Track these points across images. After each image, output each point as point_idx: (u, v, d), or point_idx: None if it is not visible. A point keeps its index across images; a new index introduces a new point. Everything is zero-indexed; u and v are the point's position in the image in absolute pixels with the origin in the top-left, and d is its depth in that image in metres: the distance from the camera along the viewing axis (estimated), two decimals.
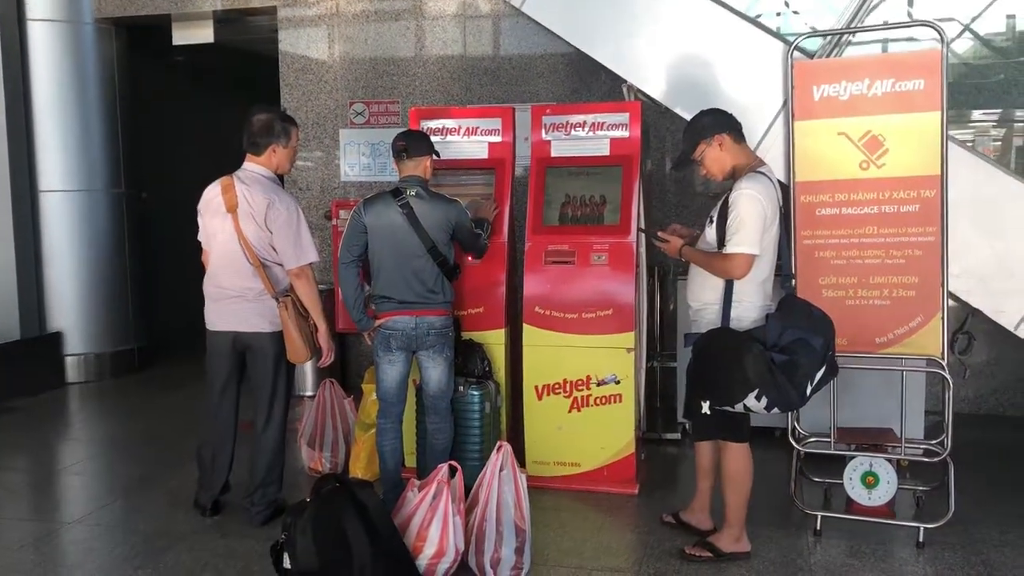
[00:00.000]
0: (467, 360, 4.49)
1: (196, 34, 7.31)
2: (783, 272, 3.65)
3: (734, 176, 3.62)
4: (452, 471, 3.54)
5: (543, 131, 4.73)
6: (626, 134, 4.61)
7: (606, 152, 4.64)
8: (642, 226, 4.49)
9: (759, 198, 3.43)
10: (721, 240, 3.52)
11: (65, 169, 7.19)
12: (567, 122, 4.70)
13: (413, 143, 4.20)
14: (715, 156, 3.63)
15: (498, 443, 3.64)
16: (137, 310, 7.71)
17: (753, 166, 3.59)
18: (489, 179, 4.80)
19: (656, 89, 4.58)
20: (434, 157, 4.26)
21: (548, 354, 4.55)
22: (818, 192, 4.11)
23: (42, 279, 7.21)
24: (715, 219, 3.57)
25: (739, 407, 3.35)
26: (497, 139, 4.82)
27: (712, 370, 3.39)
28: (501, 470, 3.56)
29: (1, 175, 6.93)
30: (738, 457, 3.60)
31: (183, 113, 9.22)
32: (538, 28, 6.31)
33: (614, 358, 4.46)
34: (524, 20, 6.38)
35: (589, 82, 6.40)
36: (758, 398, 3.31)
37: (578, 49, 4.84)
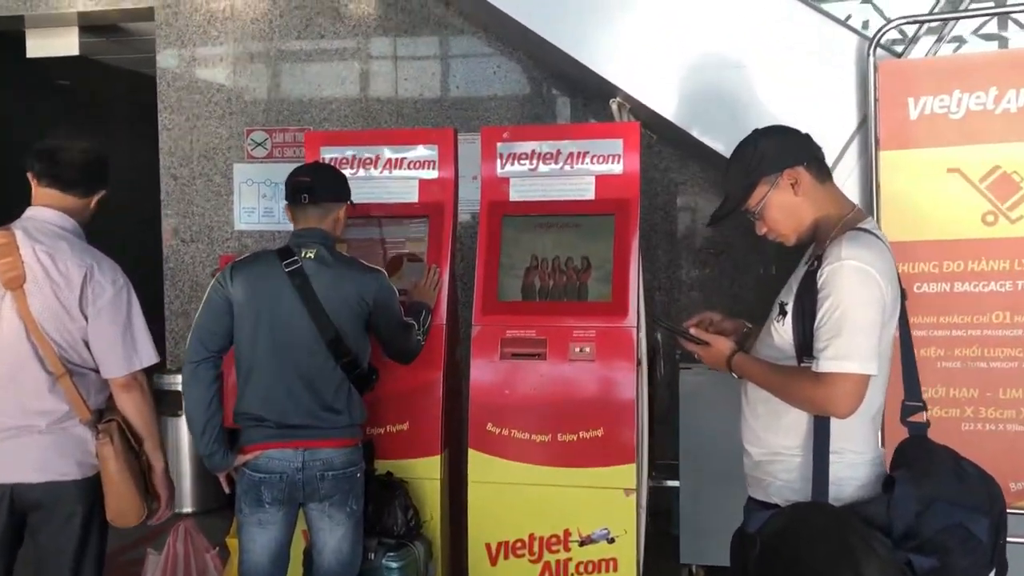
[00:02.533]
0: (382, 509, 2.94)
1: (56, 44, 5.76)
2: (906, 397, 2.20)
3: (815, 236, 2.19)
4: None
5: (498, 163, 3.27)
6: (619, 168, 3.17)
7: (590, 195, 3.20)
8: (656, 318, 3.05)
9: (874, 275, 1.98)
10: (805, 345, 2.05)
11: None
12: (533, 151, 3.25)
13: (322, 181, 2.79)
14: (785, 203, 2.18)
15: None
16: None
17: (848, 220, 2.15)
18: (420, 231, 3.33)
19: (662, 103, 3.17)
20: (350, 205, 2.82)
21: (506, 496, 3.06)
22: (918, 258, 2.72)
23: None
24: (791, 308, 2.11)
25: None
26: (432, 174, 3.35)
27: None
28: None
29: None
30: None
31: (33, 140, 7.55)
32: (490, 42, 4.94)
33: (606, 504, 2.98)
34: (476, 35, 5.00)
35: (559, 111, 4.99)
36: None
37: (541, 59, 3.44)
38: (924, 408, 2.16)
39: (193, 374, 2.63)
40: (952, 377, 2.70)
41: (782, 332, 2.13)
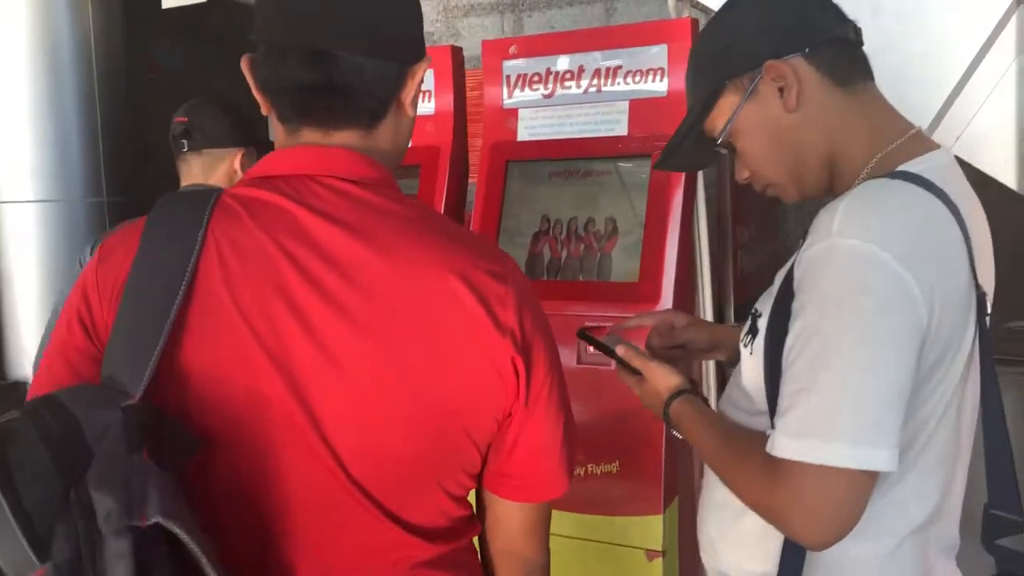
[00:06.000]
0: None
1: None
2: (991, 502, 1.14)
3: (832, 183, 1.18)
4: None
5: (504, 89, 2.40)
6: (663, 88, 2.19)
7: (622, 129, 2.25)
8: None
9: (890, 266, 0.96)
10: (772, 397, 1.08)
11: (30, 174, 5.66)
12: (551, 69, 2.35)
13: (202, 120, 2.12)
14: (770, 124, 1.17)
15: None
16: None
17: (890, 154, 1.10)
18: (410, 185, 2.55)
19: None
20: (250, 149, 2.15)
21: None
22: None
23: (1, 315, 5.72)
24: (763, 323, 1.14)
25: None
26: (426, 107, 2.54)
27: None
28: None
29: None
30: None
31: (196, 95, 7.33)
32: None
33: (620, 568, 2.09)
34: None
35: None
36: None
37: None
38: None
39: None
40: None
41: (751, 364, 1.17)
